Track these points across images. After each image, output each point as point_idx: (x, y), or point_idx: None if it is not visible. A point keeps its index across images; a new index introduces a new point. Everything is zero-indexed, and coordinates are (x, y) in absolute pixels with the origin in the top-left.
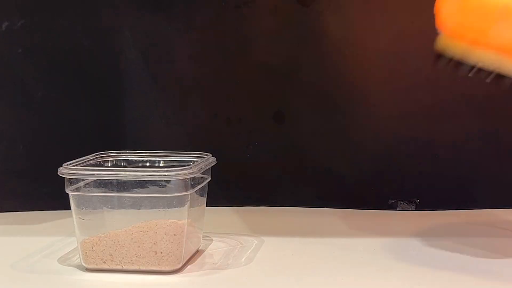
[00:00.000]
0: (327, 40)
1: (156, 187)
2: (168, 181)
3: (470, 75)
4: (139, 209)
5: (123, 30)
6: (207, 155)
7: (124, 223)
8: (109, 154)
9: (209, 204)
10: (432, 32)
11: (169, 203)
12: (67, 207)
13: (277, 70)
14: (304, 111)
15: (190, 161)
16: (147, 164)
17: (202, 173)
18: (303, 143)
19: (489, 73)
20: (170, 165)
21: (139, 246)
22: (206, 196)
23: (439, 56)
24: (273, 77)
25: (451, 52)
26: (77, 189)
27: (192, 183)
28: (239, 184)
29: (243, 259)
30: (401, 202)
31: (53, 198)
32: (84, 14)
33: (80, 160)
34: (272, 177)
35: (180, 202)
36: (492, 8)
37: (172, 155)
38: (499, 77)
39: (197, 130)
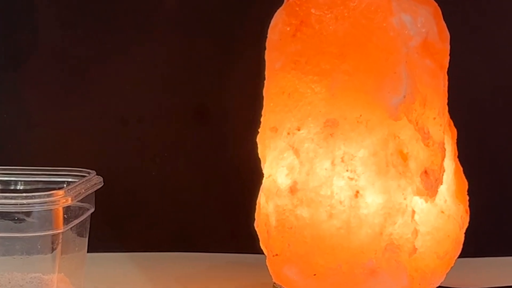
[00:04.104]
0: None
1: (10, 222)
2: (28, 213)
3: None
4: None
5: None
6: (89, 173)
7: None
8: None
9: (92, 248)
10: None
11: (30, 247)
12: None
13: (199, 48)
14: (239, 107)
15: (63, 181)
16: None
17: (81, 201)
18: (237, 154)
19: None
20: (32, 188)
21: None
22: (87, 236)
23: None
24: (193, 58)
25: None
26: None
27: (65, 216)
28: (139, 218)
29: None
30: None
31: None
32: None
33: None
34: (190, 206)
35: (46, 246)
36: None
37: (35, 173)
38: None
39: (74, 135)
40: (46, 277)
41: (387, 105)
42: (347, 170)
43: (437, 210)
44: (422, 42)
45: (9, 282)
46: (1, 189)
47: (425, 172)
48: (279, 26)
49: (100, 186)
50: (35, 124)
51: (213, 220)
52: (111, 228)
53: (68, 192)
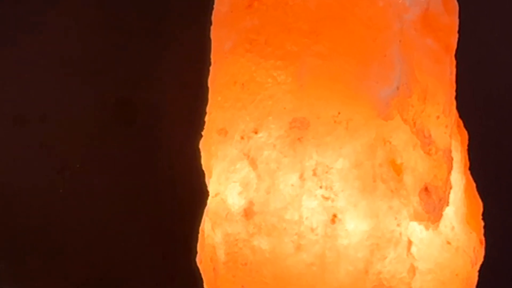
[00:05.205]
0: None
1: None
2: None
3: None
4: None
5: None
6: None
7: None
8: None
9: None
10: None
11: None
12: None
13: (122, 26)
14: (175, 102)
15: None
16: None
17: None
18: (173, 165)
19: None
20: None
21: None
22: None
23: None
24: (113, 38)
25: None
26: None
27: None
28: (43, 250)
29: None
30: None
31: None
32: None
33: None
34: (111, 235)
35: None
36: None
37: None
38: None
39: None
40: None
41: (375, 99)
42: (320, 187)
43: (441, 240)
44: (422, 15)
45: None
46: None
47: (426, 189)
48: None
49: None
50: None
51: (142, 254)
52: (6, 263)
53: None
